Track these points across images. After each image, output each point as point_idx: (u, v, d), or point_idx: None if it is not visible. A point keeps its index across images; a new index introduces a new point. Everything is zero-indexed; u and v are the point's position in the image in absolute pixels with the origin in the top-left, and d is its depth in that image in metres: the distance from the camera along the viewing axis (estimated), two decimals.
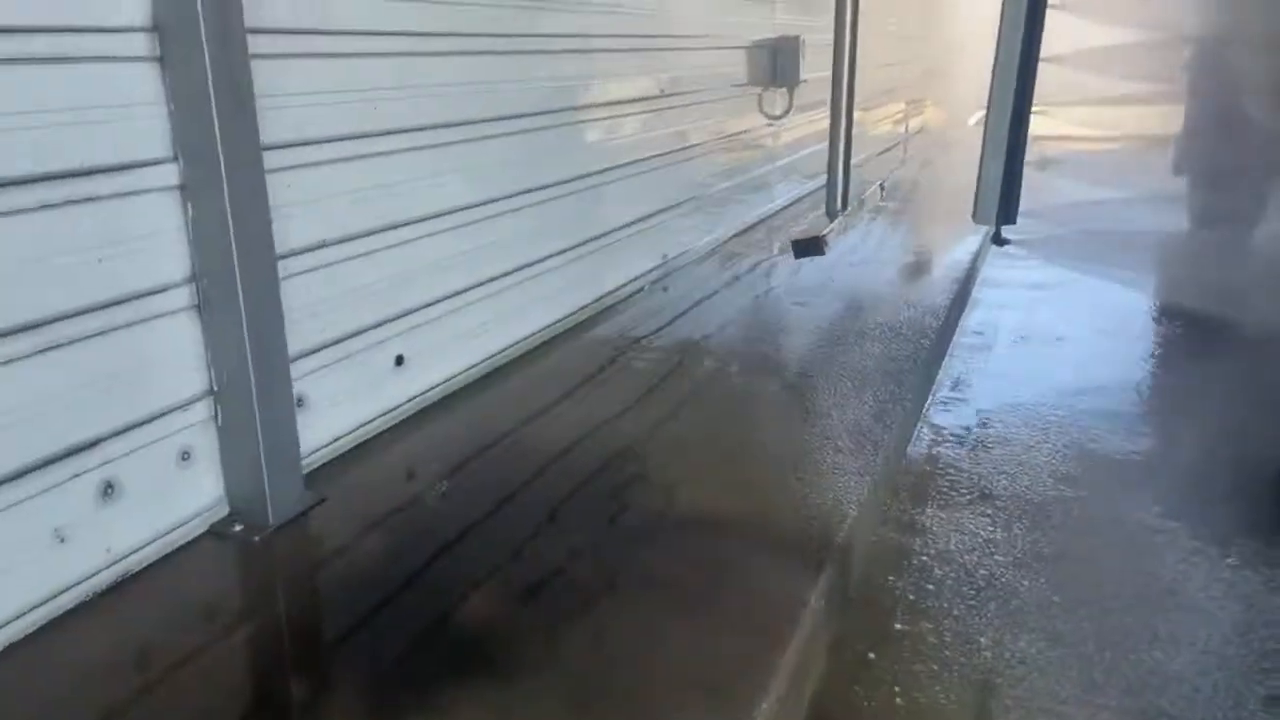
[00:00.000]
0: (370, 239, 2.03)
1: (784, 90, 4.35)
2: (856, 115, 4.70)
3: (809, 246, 3.91)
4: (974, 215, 4.17)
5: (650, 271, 3.43)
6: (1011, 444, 2.49)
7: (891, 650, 1.69)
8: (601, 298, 3.08)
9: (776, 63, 4.29)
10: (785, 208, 4.86)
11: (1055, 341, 3.38)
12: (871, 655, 1.67)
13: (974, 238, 4.31)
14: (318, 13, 1.85)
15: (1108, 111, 8.23)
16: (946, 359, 3.12)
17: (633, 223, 3.25)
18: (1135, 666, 1.63)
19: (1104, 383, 2.93)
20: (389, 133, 2.05)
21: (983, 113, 4.75)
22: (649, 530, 1.76)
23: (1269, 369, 3.09)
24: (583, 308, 2.96)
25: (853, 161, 4.66)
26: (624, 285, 3.23)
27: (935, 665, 1.65)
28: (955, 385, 2.94)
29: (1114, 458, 2.42)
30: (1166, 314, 3.74)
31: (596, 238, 3.00)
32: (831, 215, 4.50)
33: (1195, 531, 2.04)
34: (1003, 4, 3.78)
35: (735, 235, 4.21)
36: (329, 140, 1.90)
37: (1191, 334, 3.48)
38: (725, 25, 3.90)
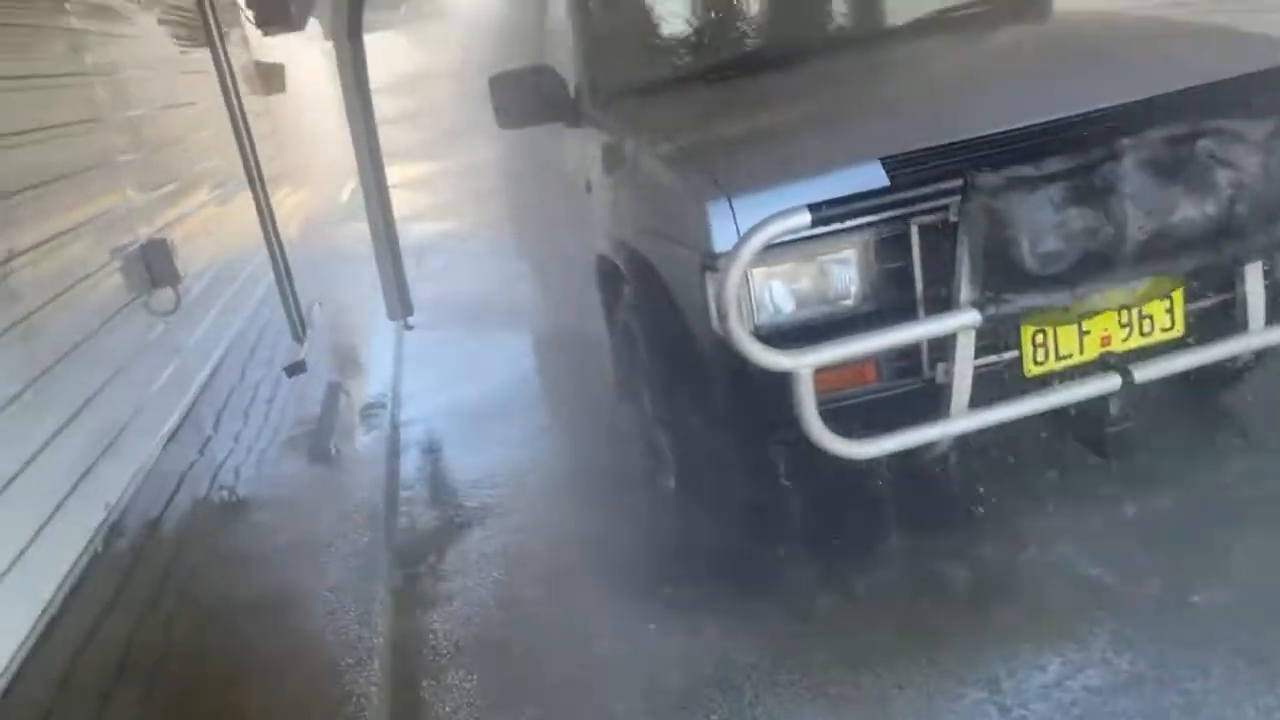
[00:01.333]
0: None
1: (168, 289, 4.52)
2: None
3: (296, 368, 4.90)
4: (388, 314, 5.03)
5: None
6: None
7: None
8: None
9: (150, 267, 4.44)
10: (208, 380, 5.04)
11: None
12: None
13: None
14: None
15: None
16: None
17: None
18: None
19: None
20: None
21: (354, 184, 5.42)
22: None
23: None
24: None
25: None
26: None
27: None
28: None
29: None
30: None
31: None
32: (298, 339, 5.15)
33: None
34: (347, 109, 4.63)
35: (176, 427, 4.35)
36: None
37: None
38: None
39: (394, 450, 4.12)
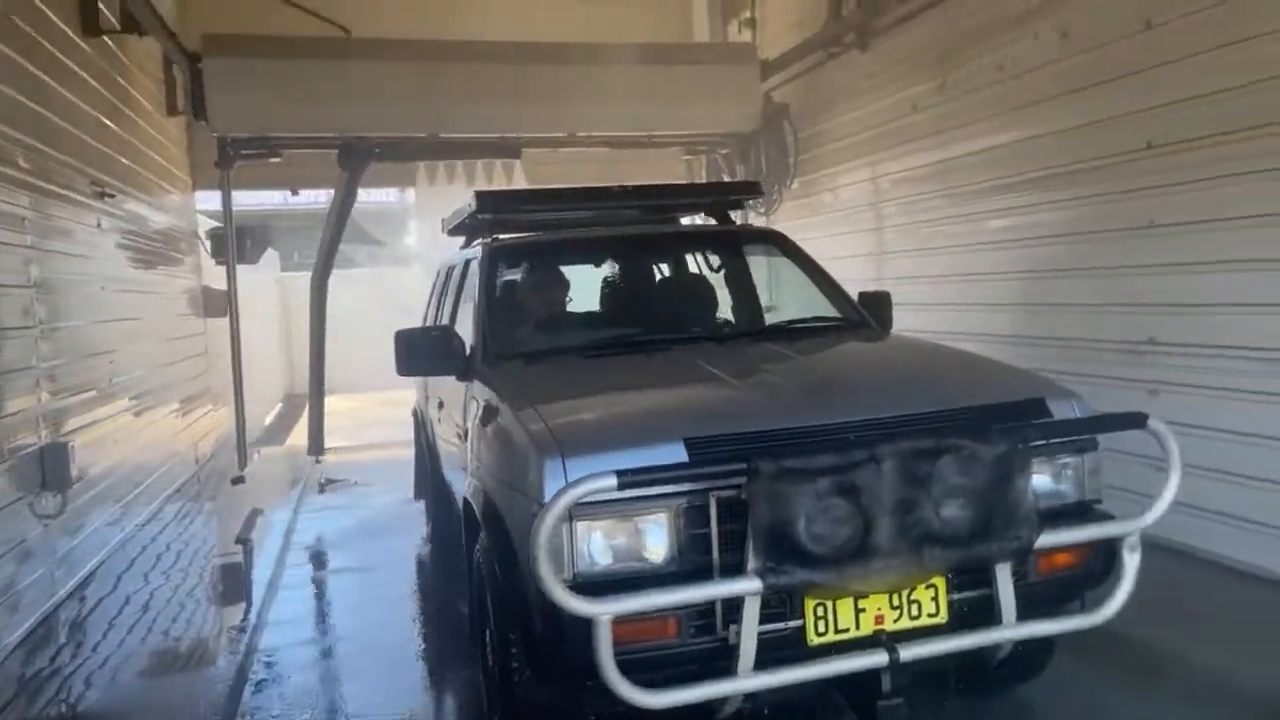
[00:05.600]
0: None
1: (56, 493, 4.67)
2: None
3: (237, 480, 7.72)
4: (309, 450, 8.55)
5: None
6: None
7: None
8: None
9: (44, 469, 4.62)
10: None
11: None
12: None
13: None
14: None
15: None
16: None
17: None
18: None
19: None
20: None
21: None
22: None
23: None
24: None
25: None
26: None
27: None
28: None
29: None
30: None
31: None
32: (242, 465, 8.03)
33: None
34: (311, 327, 8.15)
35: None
36: None
37: None
38: None
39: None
